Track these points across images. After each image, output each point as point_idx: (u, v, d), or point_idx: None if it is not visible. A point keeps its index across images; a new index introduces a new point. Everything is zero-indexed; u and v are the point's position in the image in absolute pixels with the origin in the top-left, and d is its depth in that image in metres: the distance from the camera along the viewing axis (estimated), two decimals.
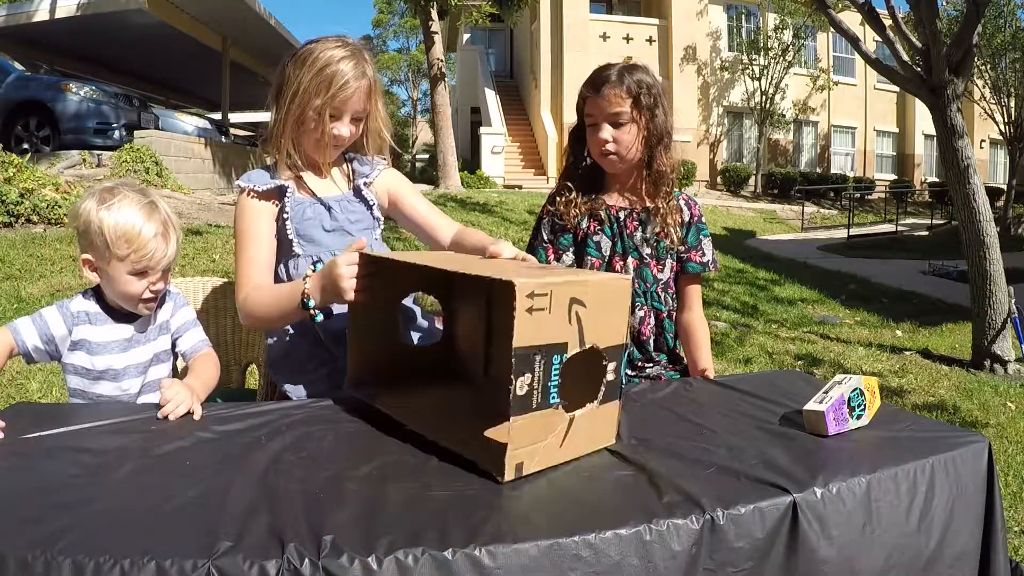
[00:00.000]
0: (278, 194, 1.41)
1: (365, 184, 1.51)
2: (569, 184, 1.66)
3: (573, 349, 0.91)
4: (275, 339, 1.47)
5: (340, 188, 1.50)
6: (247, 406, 1.21)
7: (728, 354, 4.70)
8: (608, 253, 1.63)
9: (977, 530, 1.03)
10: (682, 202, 1.67)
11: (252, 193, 1.40)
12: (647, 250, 1.62)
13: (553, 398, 0.91)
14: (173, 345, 1.43)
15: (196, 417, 1.13)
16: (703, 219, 1.71)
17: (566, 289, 0.89)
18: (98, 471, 0.91)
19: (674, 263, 1.66)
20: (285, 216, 1.41)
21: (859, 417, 1.12)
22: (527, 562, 0.72)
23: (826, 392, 1.12)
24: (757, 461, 0.98)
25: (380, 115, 1.46)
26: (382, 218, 1.55)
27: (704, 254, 1.66)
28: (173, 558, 0.68)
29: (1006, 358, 4.73)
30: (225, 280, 1.89)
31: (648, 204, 1.64)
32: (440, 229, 1.53)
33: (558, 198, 1.68)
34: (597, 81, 1.57)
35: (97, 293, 1.36)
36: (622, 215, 1.64)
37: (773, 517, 0.84)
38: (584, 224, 1.64)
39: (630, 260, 1.62)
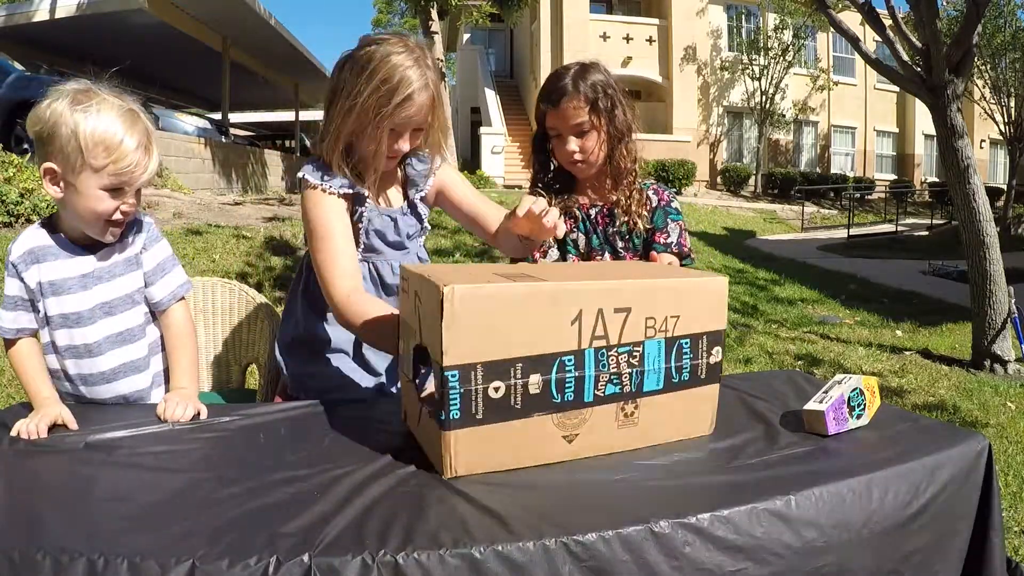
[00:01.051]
0: (353, 200, 1.35)
1: (421, 199, 1.46)
2: (541, 192, 1.68)
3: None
4: (293, 323, 1.45)
5: (397, 198, 1.45)
6: (247, 406, 1.21)
7: (728, 354, 4.69)
8: (585, 249, 1.67)
9: (977, 529, 1.03)
10: (650, 192, 1.69)
11: (329, 191, 1.31)
12: (620, 243, 1.66)
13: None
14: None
15: (203, 417, 1.13)
16: (673, 204, 1.71)
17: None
18: (92, 470, 0.91)
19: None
20: (360, 225, 1.36)
21: (859, 417, 1.12)
22: (524, 561, 0.72)
23: (826, 392, 1.12)
24: (756, 460, 0.98)
25: (441, 122, 1.37)
26: (429, 227, 1.53)
27: (668, 235, 1.66)
28: (164, 557, 0.68)
29: (1006, 358, 4.73)
30: (224, 280, 1.88)
31: (612, 197, 1.66)
32: (488, 218, 1.48)
33: None
34: (553, 94, 1.56)
35: (48, 224, 1.22)
36: (592, 212, 1.67)
37: (772, 517, 0.84)
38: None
39: (607, 255, 1.66)
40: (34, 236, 1.21)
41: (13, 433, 1.04)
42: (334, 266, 1.27)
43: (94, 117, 1.11)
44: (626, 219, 1.64)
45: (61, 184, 1.14)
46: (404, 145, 1.33)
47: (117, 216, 1.17)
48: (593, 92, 1.55)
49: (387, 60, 1.23)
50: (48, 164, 1.12)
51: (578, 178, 1.69)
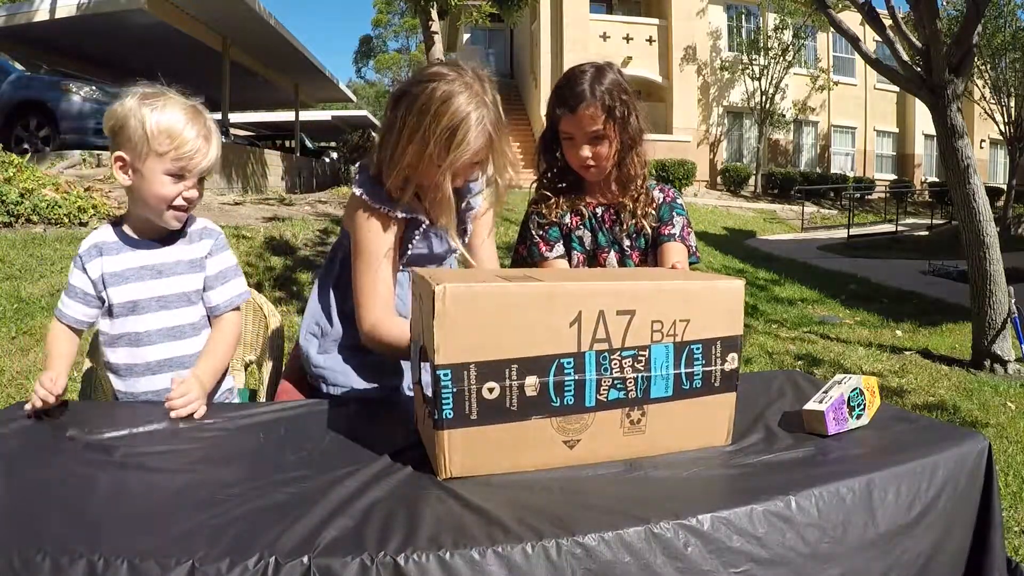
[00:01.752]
0: (408, 224, 1.37)
1: (469, 224, 1.48)
2: (547, 193, 1.68)
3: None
4: (320, 314, 1.45)
5: (451, 219, 1.43)
6: (247, 406, 1.21)
7: None
8: (591, 247, 1.67)
9: (977, 530, 1.03)
10: (656, 191, 1.70)
11: (388, 215, 1.33)
12: (626, 243, 1.66)
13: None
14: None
15: (198, 416, 1.13)
16: (678, 201, 1.72)
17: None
18: (92, 470, 0.91)
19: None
20: (412, 240, 1.39)
21: (859, 417, 1.12)
22: (524, 562, 0.72)
23: (826, 392, 1.12)
24: (756, 461, 0.98)
25: (500, 150, 1.34)
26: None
27: (673, 227, 1.67)
28: (164, 557, 0.68)
29: (1006, 358, 4.73)
30: None
31: (621, 198, 1.67)
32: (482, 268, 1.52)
33: (539, 204, 1.70)
34: (571, 99, 1.54)
35: (115, 222, 1.35)
36: (599, 211, 1.68)
37: (773, 518, 0.84)
38: (567, 220, 1.68)
39: (612, 254, 1.66)
40: (100, 233, 1.33)
41: (29, 407, 1.12)
42: (373, 293, 1.33)
43: (159, 111, 1.24)
44: (633, 221, 1.65)
45: (130, 172, 1.25)
46: (460, 181, 1.35)
47: (179, 202, 1.27)
48: (610, 99, 1.53)
49: (448, 103, 1.23)
50: (119, 153, 1.24)
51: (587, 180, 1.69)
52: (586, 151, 1.58)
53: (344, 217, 1.45)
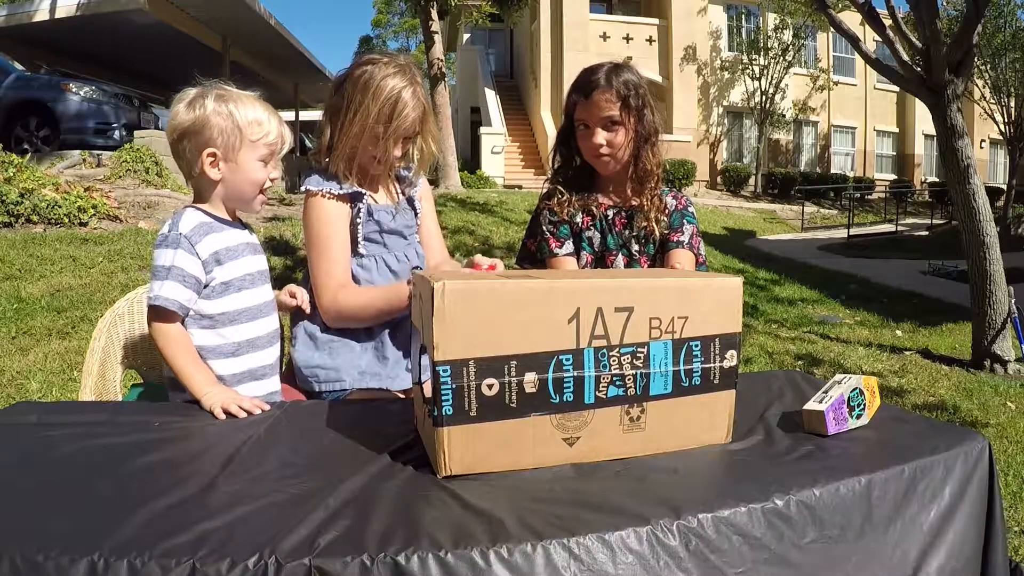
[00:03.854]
0: (351, 199, 1.49)
1: (415, 196, 1.63)
2: (560, 189, 1.68)
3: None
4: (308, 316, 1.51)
5: (393, 196, 1.62)
6: None
7: None
8: (599, 248, 1.67)
9: (977, 529, 1.03)
10: (669, 197, 1.70)
11: (328, 196, 1.46)
12: (635, 246, 1.66)
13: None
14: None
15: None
16: (690, 209, 1.73)
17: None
18: (92, 470, 0.91)
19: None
20: (357, 220, 1.50)
21: (859, 417, 1.12)
22: (524, 562, 0.72)
23: (826, 392, 1.12)
24: (756, 461, 0.98)
25: (431, 133, 1.55)
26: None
27: (682, 234, 1.68)
28: (164, 557, 0.68)
29: (1006, 358, 4.73)
30: None
31: (634, 202, 1.66)
32: (432, 250, 1.67)
33: (551, 200, 1.70)
34: (587, 86, 1.59)
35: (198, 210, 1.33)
36: (610, 213, 1.67)
37: (772, 517, 0.84)
38: (578, 219, 1.67)
39: (620, 257, 1.66)
40: (193, 215, 1.31)
41: (221, 415, 1.13)
42: (324, 275, 1.44)
43: (243, 105, 1.31)
44: (645, 224, 1.64)
45: (220, 166, 1.30)
46: (398, 151, 1.50)
47: (268, 184, 1.36)
48: (625, 89, 1.57)
49: (386, 80, 1.43)
50: (210, 149, 1.29)
51: (600, 176, 1.68)
52: (600, 137, 1.58)
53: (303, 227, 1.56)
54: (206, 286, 1.29)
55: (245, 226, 1.40)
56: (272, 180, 1.37)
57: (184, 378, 1.21)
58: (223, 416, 1.13)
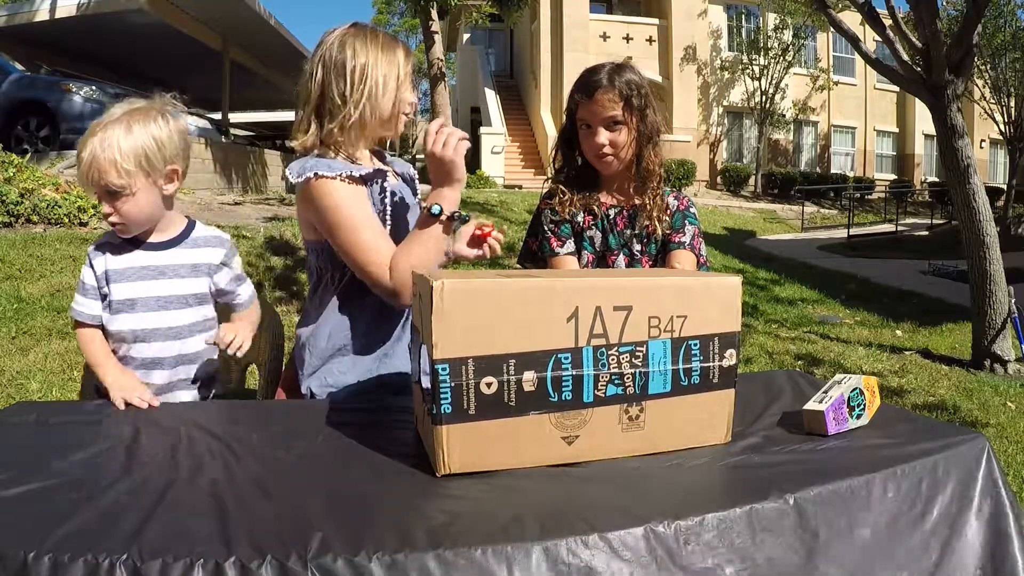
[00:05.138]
0: (371, 178, 1.40)
1: (414, 176, 1.64)
2: (562, 188, 1.68)
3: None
4: (321, 321, 1.43)
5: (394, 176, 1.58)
6: (245, 404, 1.21)
7: None
8: (601, 248, 1.66)
9: (985, 528, 1.02)
10: (671, 198, 1.70)
11: (345, 179, 1.33)
12: (637, 246, 1.66)
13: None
14: (216, 305, 1.47)
15: (240, 354, 1.31)
16: (692, 209, 1.73)
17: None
18: (91, 470, 0.91)
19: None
20: (384, 199, 1.43)
21: (859, 417, 1.12)
22: (524, 561, 0.72)
23: (826, 392, 1.12)
24: (756, 461, 0.98)
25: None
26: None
27: (684, 235, 1.68)
28: (165, 557, 0.68)
29: (1006, 358, 4.73)
30: None
31: (636, 201, 1.66)
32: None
33: (552, 199, 1.69)
34: (589, 86, 1.58)
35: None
36: (612, 212, 1.67)
37: (772, 518, 0.84)
38: (580, 218, 1.67)
39: (621, 257, 1.65)
40: (109, 234, 1.39)
41: (120, 404, 1.20)
42: (371, 253, 1.31)
43: (176, 118, 1.34)
44: (647, 224, 1.64)
45: (176, 179, 1.36)
46: (413, 96, 1.46)
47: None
48: (628, 89, 1.57)
49: (369, 32, 1.39)
50: (175, 166, 1.33)
51: (602, 175, 1.68)
52: (603, 136, 1.58)
53: (302, 229, 1.45)
54: (104, 299, 1.36)
55: (167, 247, 1.39)
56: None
57: (96, 371, 1.32)
58: (123, 406, 1.20)
